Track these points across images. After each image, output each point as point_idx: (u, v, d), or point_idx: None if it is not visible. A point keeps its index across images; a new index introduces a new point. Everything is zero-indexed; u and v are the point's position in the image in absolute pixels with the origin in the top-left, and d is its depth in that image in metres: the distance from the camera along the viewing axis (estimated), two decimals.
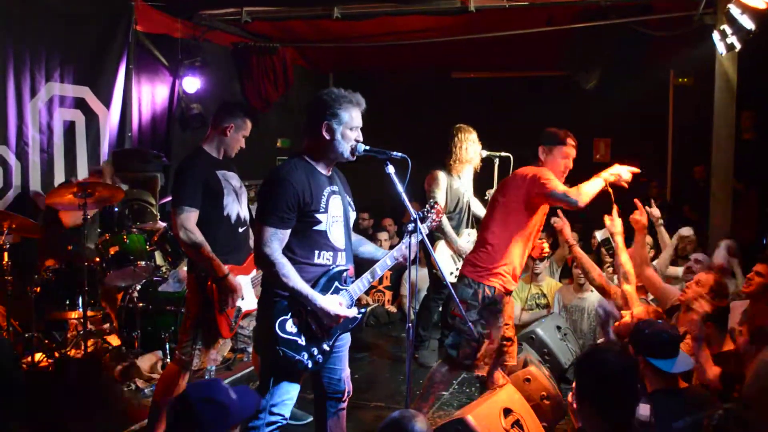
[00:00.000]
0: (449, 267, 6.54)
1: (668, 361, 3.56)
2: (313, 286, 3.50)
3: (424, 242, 3.52)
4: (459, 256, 6.59)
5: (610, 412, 2.74)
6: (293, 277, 3.45)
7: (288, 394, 3.61)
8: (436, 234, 6.48)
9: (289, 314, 3.44)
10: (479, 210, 6.90)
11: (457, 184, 6.61)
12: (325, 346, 3.54)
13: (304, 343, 3.45)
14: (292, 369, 3.51)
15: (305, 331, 3.47)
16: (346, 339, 3.82)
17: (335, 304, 3.52)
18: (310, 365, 3.50)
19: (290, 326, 3.42)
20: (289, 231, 3.50)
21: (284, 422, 3.65)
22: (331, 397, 3.81)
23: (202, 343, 4.39)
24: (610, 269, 6.99)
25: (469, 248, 6.61)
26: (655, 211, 6.59)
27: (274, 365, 3.56)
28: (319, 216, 3.54)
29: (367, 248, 3.96)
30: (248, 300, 4.52)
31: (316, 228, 3.54)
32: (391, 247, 4.09)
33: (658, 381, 3.57)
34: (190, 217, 4.23)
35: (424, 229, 3.74)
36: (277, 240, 3.46)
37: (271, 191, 3.48)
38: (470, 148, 6.50)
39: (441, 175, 6.50)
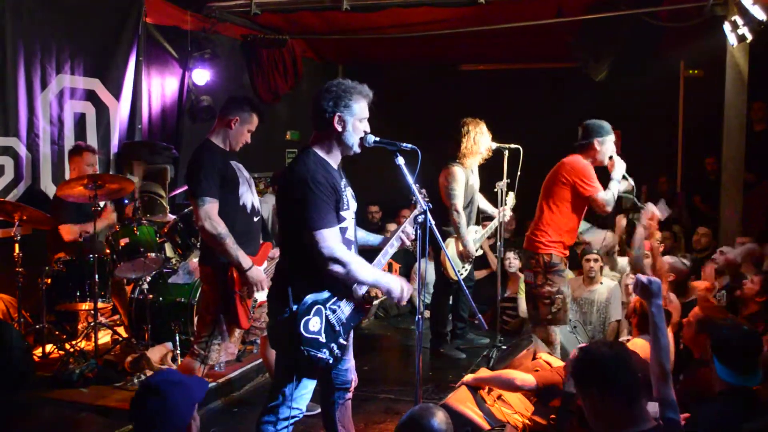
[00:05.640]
0: (457, 265, 6.51)
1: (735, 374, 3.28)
2: (333, 283, 3.49)
3: (435, 234, 3.51)
4: (466, 259, 6.55)
5: (613, 399, 2.71)
6: (368, 269, 3.51)
7: (306, 389, 3.63)
8: (448, 231, 6.46)
9: (312, 313, 3.41)
10: (485, 206, 6.86)
11: (471, 179, 6.58)
12: (342, 340, 3.54)
13: (325, 340, 3.44)
14: (313, 366, 3.51)
15: (326, 328, 3.46)
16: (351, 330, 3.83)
17: (407, 284, 3.64)
18: (331, 361, 3.50)
19: (313, 325, 3.40)
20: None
21: (301, 416, 3.68)
22: (339, 387, 3.82)
23: (221, 338, 4.38)
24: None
25: (475, 248, 6.59)
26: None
27: (295, 363, 3.54)
28: (343, 214, 3.53)
29: (358, 234, 3.87)
30: (263, 291, 4.48)
31: (339, 226, 3.51)
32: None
33: (723, 382, 3.34)
34: (214, 207, 4.23)
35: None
36: (337, 238, 3.43)
37: (307, 196, 3.38)
38: (480, 140, 6.42)
39: (459, 171, 6.42)
